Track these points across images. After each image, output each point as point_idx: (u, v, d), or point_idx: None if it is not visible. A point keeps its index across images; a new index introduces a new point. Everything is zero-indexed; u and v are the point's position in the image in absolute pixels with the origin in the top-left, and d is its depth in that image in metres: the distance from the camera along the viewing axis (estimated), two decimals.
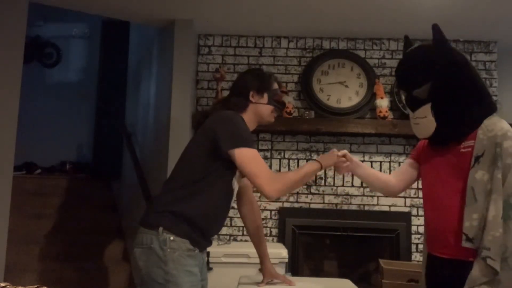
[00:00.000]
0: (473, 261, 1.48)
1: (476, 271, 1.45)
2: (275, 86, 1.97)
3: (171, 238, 1.69)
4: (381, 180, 1.90)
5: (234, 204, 1.93)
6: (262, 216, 3.20)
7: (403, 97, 3.47)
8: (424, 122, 1.61)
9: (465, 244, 1.49)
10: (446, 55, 1.61)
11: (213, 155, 1.74)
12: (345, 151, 1.88)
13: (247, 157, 1.70)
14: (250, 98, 1.90)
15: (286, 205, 3.53)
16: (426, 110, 1.60)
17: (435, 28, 1.64)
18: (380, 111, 3.40)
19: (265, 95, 1.91)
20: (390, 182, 1.88)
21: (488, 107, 1.62)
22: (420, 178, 1.80)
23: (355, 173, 1.91)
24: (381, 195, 3.51)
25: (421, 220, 3.45)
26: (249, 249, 2.31)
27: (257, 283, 1.92)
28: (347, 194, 3.54)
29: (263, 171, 1.71)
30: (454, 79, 1.59)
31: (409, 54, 1.72)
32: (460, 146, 1.58)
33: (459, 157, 1.57)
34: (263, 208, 3.48)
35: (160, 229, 1.70)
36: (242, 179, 1.91)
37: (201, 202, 1.75)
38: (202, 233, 1.78)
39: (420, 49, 1.69)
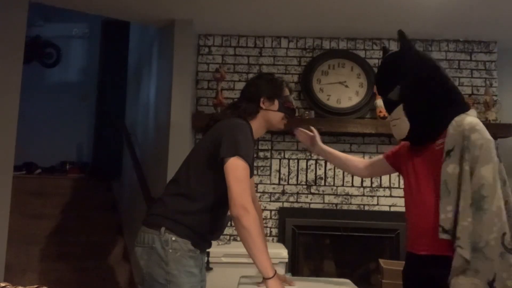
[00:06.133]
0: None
1: (454, 262, 1.49)
2: (286, 92, 1.94)
3: (173, 238, 1.69)
4: (348, 160, 2.12)
5: None
6: (262, 216, 3.21)
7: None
8: (399, 123, 1.69)
9: (442, 236, 1.53)
10: (412, 58, 1.70)
11: (219, 163, 1.71)
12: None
13: (236, 167, 1.65)
14: (261, 105, 1.88)
15: (286, 205, 3.53)
16: (399, 112, 1.68)
17: (400, 34, 1.75)
18: (380, 111, 3.41)
19: (276, 102, 1.89)
20: (358, 165, 2.09)
21: (459, 107, 1.67)
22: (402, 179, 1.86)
23: (317, 149, 2.17)
24: (381, 195, 3.52)
25: None
26: None
27: (257, 283, 1.91)
28: (347, 194, 3.54)
29: (240, 189, 1.63)
30: (421, 80, 1.66)
31: (382, 61, 1.85)
32: (435, 144, 1.64)
33: (433, 154, 1.63)
34: (263, 208, 3.48)
35: (163, 229, 1.70)
36: None
37: (204, 211, 1.75)
38: (203, 237, 1.78)
39: (390, 55, 1.81)
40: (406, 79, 1.67)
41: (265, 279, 1.61)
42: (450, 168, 1.53)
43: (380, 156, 2.00)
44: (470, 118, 1.59)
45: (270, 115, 1.90)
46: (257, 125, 1.89)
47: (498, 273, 1.43)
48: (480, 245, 1.45)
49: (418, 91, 1.65)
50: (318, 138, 2.16)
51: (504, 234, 1.45)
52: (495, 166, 1.51)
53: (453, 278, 1.47)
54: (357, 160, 2.11)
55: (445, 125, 1.61)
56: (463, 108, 1.66)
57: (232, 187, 1.64)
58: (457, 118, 1.60)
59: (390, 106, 1.72)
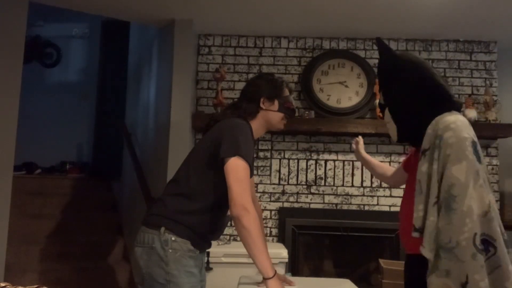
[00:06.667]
0: None
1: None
2: (286, 92, 1.94)
3: (173, 238, 1.69)
4: (380, 169, 2.18)
5: None
6: (262, 216, 3.21)
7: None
8: (390, 126, 1.74)
9: (414, 234, 1.52)
10: (391, 63, 1.72)
11: (219, 163, 1.70)
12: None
13: (236, 167, 1.65)
14: (261, 105, 1.88)
15: (286, 205, 3.53)
16: (387, 115, 1.73)
17: (378, 40, 1.77)
18: (380, 111, 3.40)
19: (276, 102, 1.89)
20: (386, 174, 2.15)
21: (444, 106, 1.64)
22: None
23: (358, 156, 2.25)
24: (381, 195, 3.52)
25: None
26: None
27: (257, 283, 1.92)
28: (347, 194, 3.54)
29: (241, 189, 1.63)
30: (398, 84, 1.68)
31: None
32: None
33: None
34: (263, 208, 3.48)
35: (162, 229, 1.70)
36: None
37: (204, 211, 1.75)
38: (203, 237, 1.78)
39: (378, 63, 1.86)
40: (387, 84, 1.71)
41: (265, 279, 1.61)
42: (424, 167, 1.53)
43: (400, 164, 2.03)
44: (449, 117, 1.55)
45: (270, 115, 1.90)
46: (257, 125, 1.89)
47: (471, 275, 1.39)
48: (450, 246, 1.42)
49: (397, 94, 1.68)
50: (360, 146, 2.25)
51: (475, 234, 1.41)
52: (469, 165, 1.45)
53: (427, 276, 1.47)
54: (387, 169, 2.15)
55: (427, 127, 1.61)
56: (450, 107, 1.63)
57: (233, 187, 1.64)
58: (437, 118, 1.58)
59: (382, 110, 1.78)
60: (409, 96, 1.65)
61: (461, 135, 1.49)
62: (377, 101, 3.44)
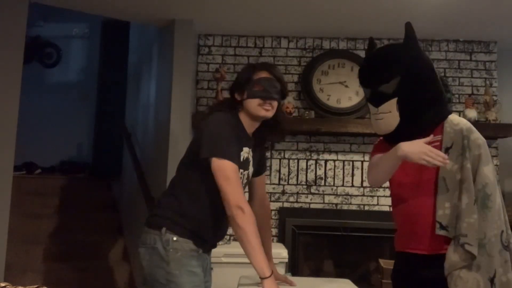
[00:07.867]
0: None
1: (455, 257, 1.49)
2: (257, 75, 1.80)
3: (174, 238, 1.69)
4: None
5: None
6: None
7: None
8: (388, 117, 1.63)
9: (439, 232, 1.52)
10: (416, 53, 1.67)
11: (205, 163, 1.69)
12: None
13: (221, 167, 1.64)
14: (236, 97, 1.83)
15: (286, 205, 3.53)
16: (391, 105, 1.61)
17: (409, 26, 1.67)
18: None
19: (246, 90, 1.79)
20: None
21: (445, 109, 1.70)
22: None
23: None
24: (381, 195, 3.52)
25: None
26: None
27: (257, 283, 1.91)
28: (347, 194, 3.54)
29: (231, 188, 1.62)
30: (422, 76, 1.64)
31: (377, 52, 1.77)
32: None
33: None
34: None
35: (163, 229, 1.70)
36: (254, 178, 1.92)
37: (201, 211, 1.75)
38: (204, 237, 1.79)
39: (390, 46, 1.78)
40: (408, 73, 1.61)
41: (261, 279, 1.61)
42: (448, 165, 1.54)
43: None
44: (464, 120, 1.63)
45: (246, 105, 1.80)
46: (244, 116, 1.82)
47: (497, 269, 1.46)
48: (484, 242, 1.47)
49: (418, 87, 1.62)
50: None
51: (502, 231, 1.50)
52: (493, 166, 1.56)
53: (454, 271, 1.48)
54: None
55: (433, 125, 1.63)
56: (449, 111, 1.70)
57: (223, 188, 1.63)
58: (451, 117, 1.63)
59: (380, 99, 1.64)
60: (428, 92, 1.63)
61: (482, 137, 1.58)
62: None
